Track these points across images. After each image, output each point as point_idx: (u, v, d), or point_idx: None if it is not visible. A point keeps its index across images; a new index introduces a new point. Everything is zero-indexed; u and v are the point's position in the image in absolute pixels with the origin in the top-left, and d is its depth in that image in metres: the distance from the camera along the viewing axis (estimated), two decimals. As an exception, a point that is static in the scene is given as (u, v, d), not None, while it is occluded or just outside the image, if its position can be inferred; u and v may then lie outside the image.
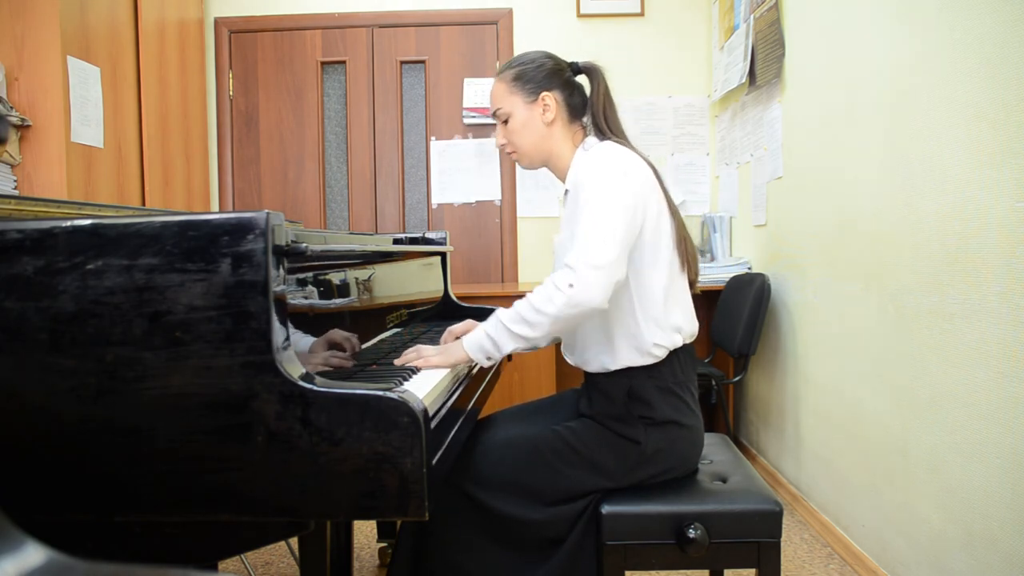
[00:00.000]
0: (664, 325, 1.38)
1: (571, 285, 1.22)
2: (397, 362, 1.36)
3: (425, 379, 1.26)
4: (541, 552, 1.38)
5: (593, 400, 1.44)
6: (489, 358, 1.32)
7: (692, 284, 1.47)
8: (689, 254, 1.43)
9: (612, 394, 1.40)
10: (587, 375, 1.48)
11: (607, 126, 1.47)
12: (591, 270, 1.23)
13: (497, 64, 3.60)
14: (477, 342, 1.32)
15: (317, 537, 1.04)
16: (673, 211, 1.43)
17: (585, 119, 1.52)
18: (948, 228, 1.62)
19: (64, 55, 2.37)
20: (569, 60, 1.53)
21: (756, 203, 2.95)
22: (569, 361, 1.52)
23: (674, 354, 1.41)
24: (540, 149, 1.49)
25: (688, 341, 1.44)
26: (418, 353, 1.36)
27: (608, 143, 1.43)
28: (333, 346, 1.22)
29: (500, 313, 1.31)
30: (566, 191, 1.46)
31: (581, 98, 1.51)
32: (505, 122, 1.49)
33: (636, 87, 3.60)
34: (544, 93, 1.46)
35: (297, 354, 0.95)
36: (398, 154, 3.68)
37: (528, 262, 3.64)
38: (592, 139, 1.47)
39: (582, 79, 1.53)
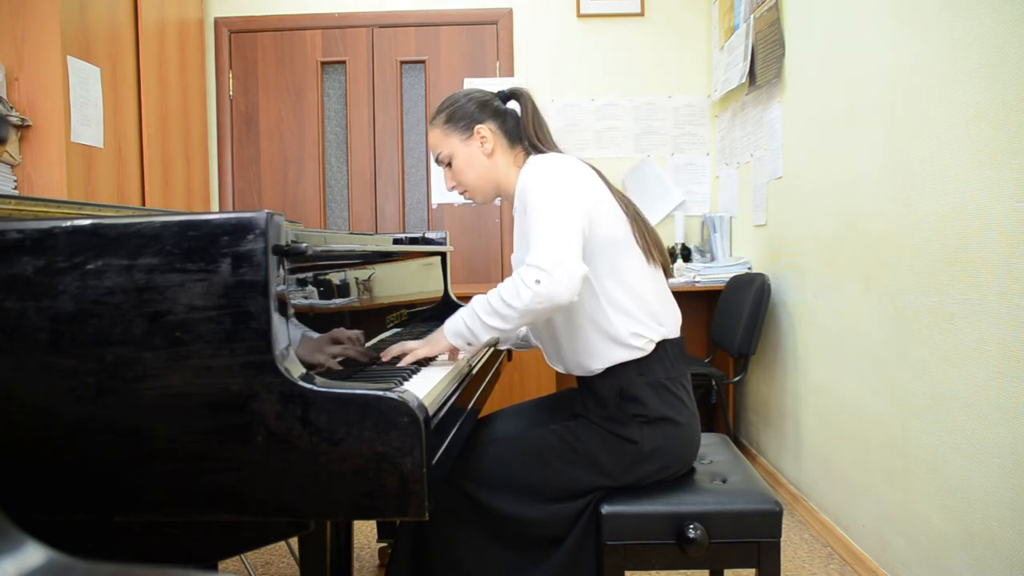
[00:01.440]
0: (636, 314, 1.38)
1: (537, 281, 1.23)
2: (384, 357, 1.37)
3: (425, 379, 1.26)
4: (541, 551, 1.38)
5: (587, 403, 1.44)
6: (469, 344, 1.34)
7: (665, 272, 1.48)
8: (652, 243, 1.45)
9: (604, 395, 1.40)
10: (579, 378, 1.49)
11: (539, 142, 1.51)
12: (555, 266, 1.24)
13: (497, 64, 3.61)
14: (455, 328, 1.34)
15: (317, 537, 1.04)
16: (627, 205, 1.45)
17: (526, 142, 1.54)
18: (948, 228, 1.62)
19: (64, 55, 2.37)
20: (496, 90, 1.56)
21: (756, 203, 2.95)
22: (558, 370, 1.53)
23: (661, 348, 1.41)
24: (487, 180, 1.52)
25: (673, 335, 1.44)
26: (402, 348, 1.38)
27: (547, 154, 1.46)
28: (337, 344, 1.22)
29: (475, 302, 1.33)
30: (514, 208, 1.47)
31: (515, 122, 1.54)
32: (449, 164, 1.52)
33: (636, 87, 3.60)
34: (478, 126, 1.49)
35: (303, 345, 0.95)
36: (398, 154, 3.68)
37: (528, 262, 3.63)
38: (532, 158, 1.49)
39: (513, 105, 1.56)
